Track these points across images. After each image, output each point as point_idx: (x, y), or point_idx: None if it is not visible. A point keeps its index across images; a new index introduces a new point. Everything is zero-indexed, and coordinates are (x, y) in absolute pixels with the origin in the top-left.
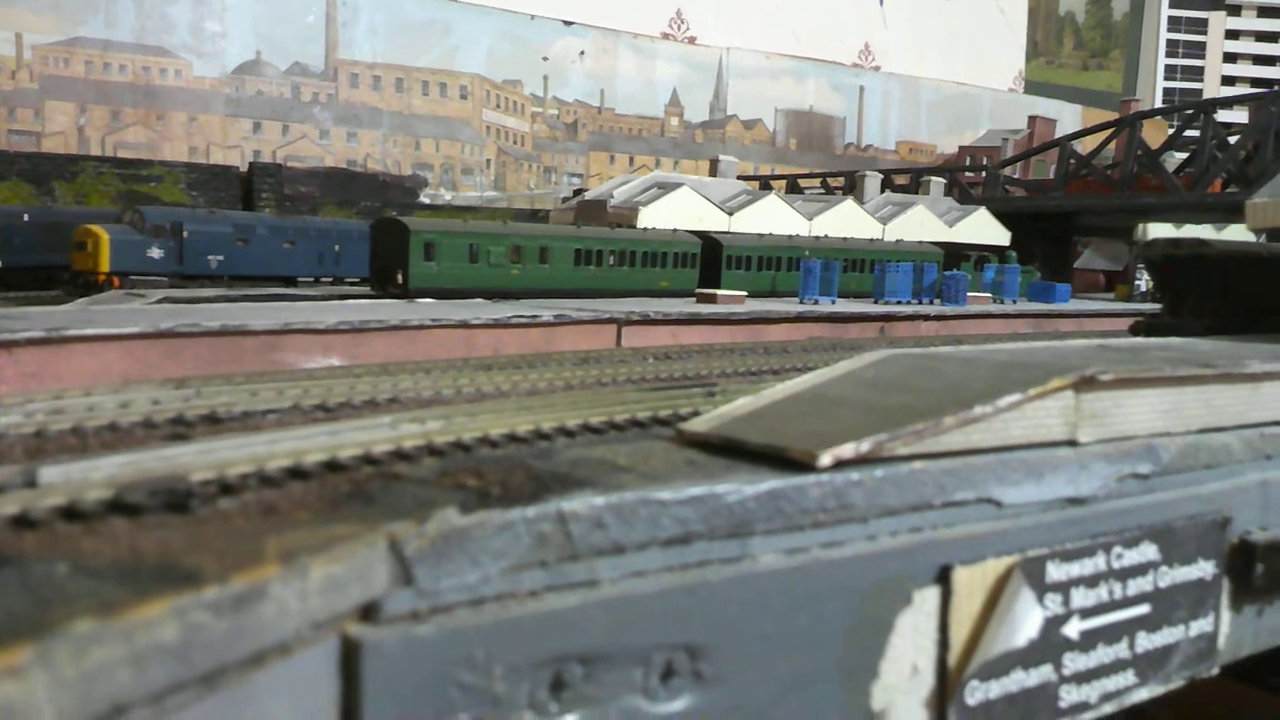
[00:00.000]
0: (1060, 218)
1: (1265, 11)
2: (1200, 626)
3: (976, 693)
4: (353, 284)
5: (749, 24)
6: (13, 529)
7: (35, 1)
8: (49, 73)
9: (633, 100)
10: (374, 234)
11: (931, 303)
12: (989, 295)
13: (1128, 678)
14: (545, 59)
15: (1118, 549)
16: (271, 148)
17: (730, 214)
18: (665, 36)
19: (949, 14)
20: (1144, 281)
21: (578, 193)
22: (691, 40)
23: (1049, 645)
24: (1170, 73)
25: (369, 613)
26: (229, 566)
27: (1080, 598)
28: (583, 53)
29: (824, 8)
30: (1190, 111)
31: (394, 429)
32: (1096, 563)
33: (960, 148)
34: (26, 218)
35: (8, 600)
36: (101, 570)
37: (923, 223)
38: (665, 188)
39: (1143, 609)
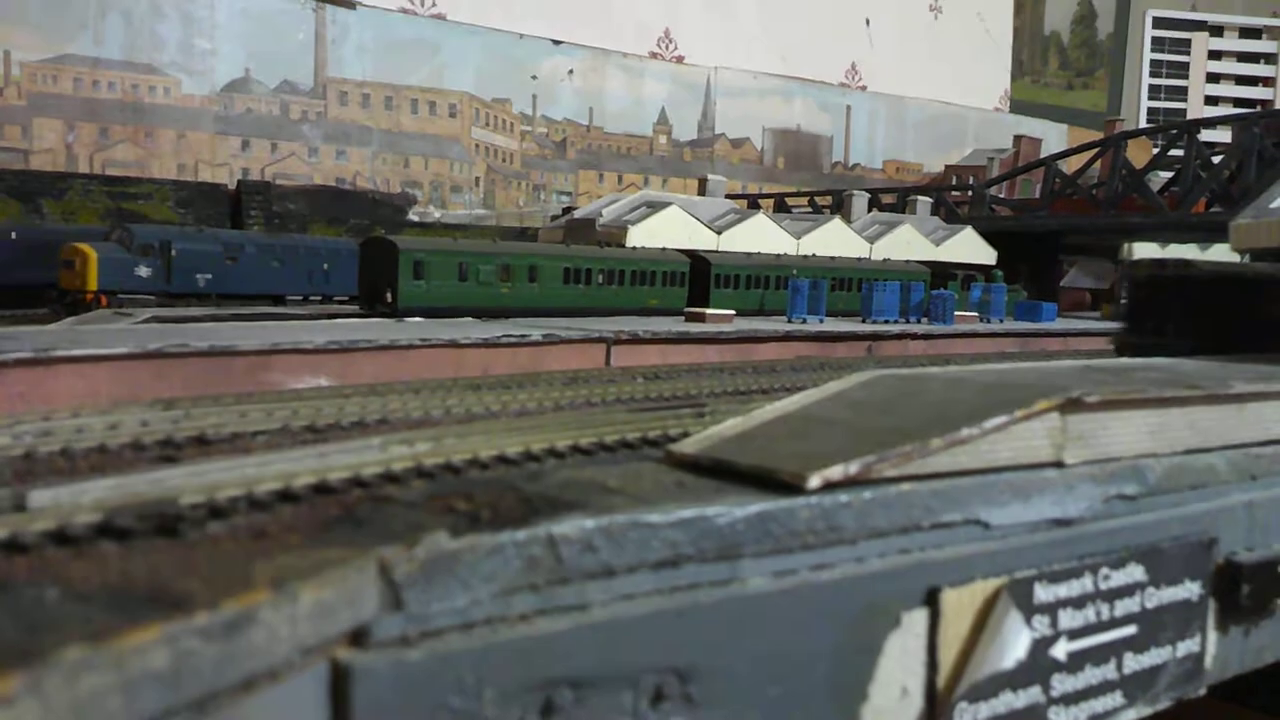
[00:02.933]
0: (1046, 237)
1: (1247, 32)
2: (1187, 647)
3: (965, 714)
4: (342, 302)
5: (736, 44)
6: (3, 554)
7: (24, 18)
8: (37, 90)
9: (621, 119)
10: (363, 252)
11: (919, 322)
12: (976, 314)
13: (1115, 699)
14: (534, 78)
15: (1105, 570)
16: (260, 165)
17: (719, 233)
18: (653, 56)
19: (935, 34)
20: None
21: (567, 211)
22: (679, 59)
23: (1037, 667)
24: (1154, 92)
25: (359, 638)
26: (219, 592)
27: (1068, 619)
28: (571, 71)
29: (811, 28)
30: (1174, 131)
31: (383, 451)
32: (1084, 584)
33: (946, 167)
34: (14, 235)
35: None
36: (92, 596)
37: (909, 242)
38: (654, 206)
39: (1130, 630)
